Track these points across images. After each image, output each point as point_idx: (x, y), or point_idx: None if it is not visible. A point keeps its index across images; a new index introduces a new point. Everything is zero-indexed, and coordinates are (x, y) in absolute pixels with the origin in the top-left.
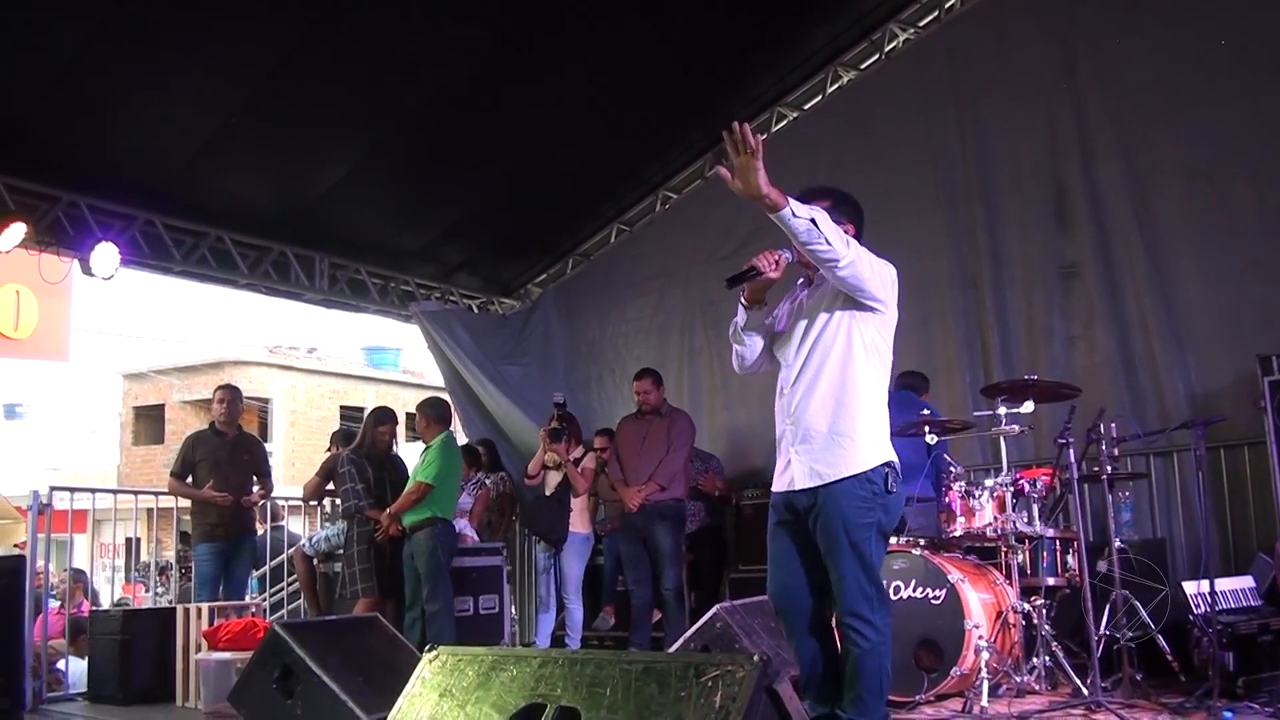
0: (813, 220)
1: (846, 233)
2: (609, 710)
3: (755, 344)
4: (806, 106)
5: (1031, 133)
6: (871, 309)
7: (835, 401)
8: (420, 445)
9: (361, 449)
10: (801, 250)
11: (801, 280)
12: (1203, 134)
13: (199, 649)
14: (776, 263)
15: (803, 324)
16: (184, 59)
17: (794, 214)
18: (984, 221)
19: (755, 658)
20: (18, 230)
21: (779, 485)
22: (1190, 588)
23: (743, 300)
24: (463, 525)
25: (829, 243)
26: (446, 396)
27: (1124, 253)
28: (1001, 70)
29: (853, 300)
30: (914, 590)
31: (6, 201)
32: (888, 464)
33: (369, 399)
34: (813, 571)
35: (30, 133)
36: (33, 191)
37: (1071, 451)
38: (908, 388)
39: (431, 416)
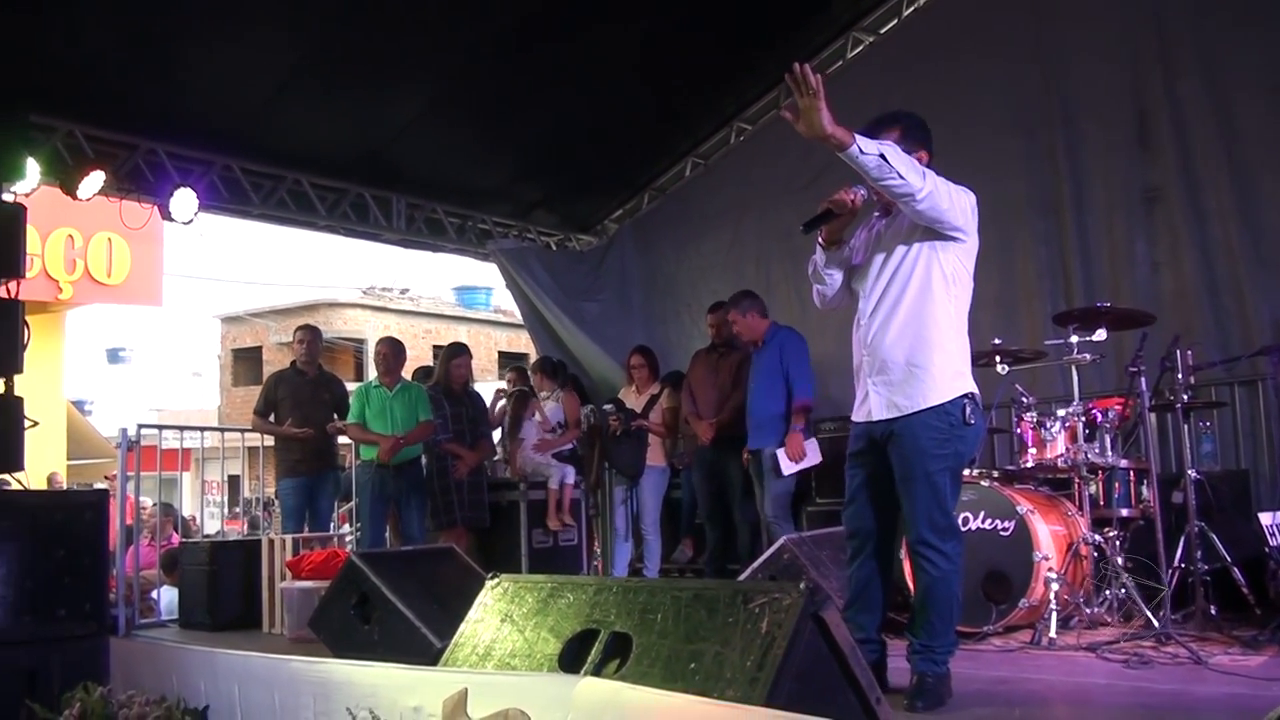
0: (882, 155)
1: (920, 160)
2: (659, 635)
3: (835, 281)
4: (882, 31)
5: (1111, 52)
6: (952, 238)
7: (913, 333)
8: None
9: (439, 384)
10: (874, 186)
11: (878, 212)
12: None
13: (284, 578)
14: (852, 201)
15: (881, 255)
16: (254, 2)
17: (862, 151)
18: (1064, 146)
19: (801, 585)
20: (96, 178)
21: (858, 416)
22: (1266, 518)
23: (820, 240)
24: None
25: (902, 177)
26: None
27: (1208, 175)
28: None
29: (932, 230)
30: (983, 522)
31: (86, 150)
32: (966, 395)
33: (461, 338)
34: (884, 500)
35: (106, 82)
36: (111, 140)
37: (1143, 380)
38: None
39: (402, 356)
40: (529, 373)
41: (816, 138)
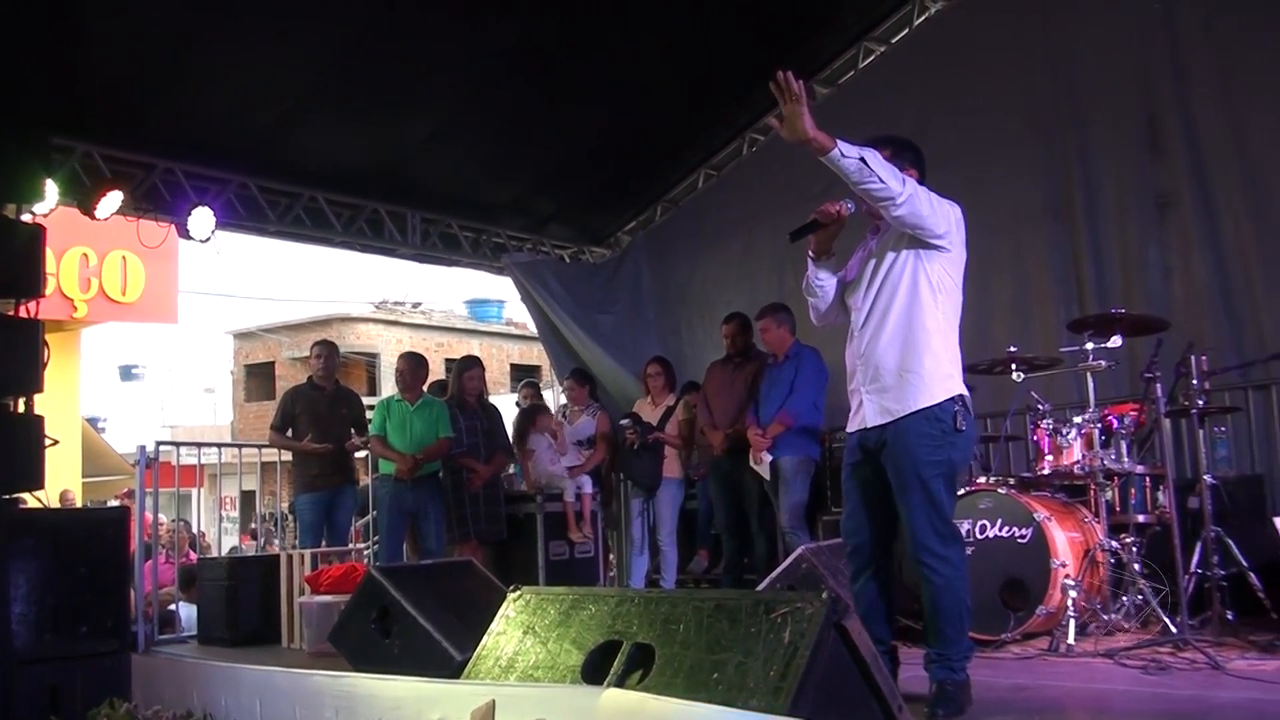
0: (862, 159)
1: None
2: (681, 646)
3: (828, 294)
4: (894, 40)
5: (1121, 54)
6: (936, 247)
7: (903, 339)
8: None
9: (452, 398)
10: (856, 190)
11: (870, 229)
12: None
13: (302, 593)
14: (838, 212)
15: (870, 266)
16: (268, 21)
17: (842, 154)
18: (1076, 151)
19: (824, 595)
20: (115, 198)
21: (852, 426)
22: None
23: (810, 253)
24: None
25: (882, 181)
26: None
27: (1221, 178)
28: None
29: (917, 240)
30: (1000, 529)
31: (103, 171)
32: (956, 398)
33: (473, 351)
34: (880, 510)
35: (123, 104)
36: (129, 160)
37: (1159, 386)
38: None
39: (422, 372)
40: (568, 383)
41: (799, 141)
